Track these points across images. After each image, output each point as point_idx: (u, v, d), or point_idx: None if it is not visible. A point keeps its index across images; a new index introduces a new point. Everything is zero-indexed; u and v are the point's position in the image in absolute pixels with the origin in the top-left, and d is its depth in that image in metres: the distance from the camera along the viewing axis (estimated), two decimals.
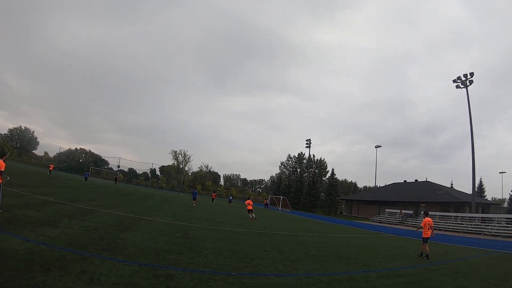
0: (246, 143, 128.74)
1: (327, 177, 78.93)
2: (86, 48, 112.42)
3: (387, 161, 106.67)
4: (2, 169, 7.00)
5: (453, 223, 31.22)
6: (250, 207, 17.40)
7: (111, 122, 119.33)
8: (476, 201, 37.22)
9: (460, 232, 28.46)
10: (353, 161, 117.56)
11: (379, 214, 44.45)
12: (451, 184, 63.91)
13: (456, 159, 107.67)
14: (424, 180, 54.62)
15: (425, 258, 9.32)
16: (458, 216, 32.39)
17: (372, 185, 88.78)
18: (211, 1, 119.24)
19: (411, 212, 38.11)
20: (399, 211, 36.68)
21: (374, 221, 39.00)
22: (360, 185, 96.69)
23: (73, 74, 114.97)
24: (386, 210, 41.91)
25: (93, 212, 9.99)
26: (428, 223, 9.79)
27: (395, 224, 34.15)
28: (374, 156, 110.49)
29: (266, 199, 50.87)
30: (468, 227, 28.91)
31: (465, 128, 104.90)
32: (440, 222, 32.08)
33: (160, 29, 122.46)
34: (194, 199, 22.99)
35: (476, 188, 41.82)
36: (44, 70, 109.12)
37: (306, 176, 66.67)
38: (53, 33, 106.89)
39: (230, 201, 34.02)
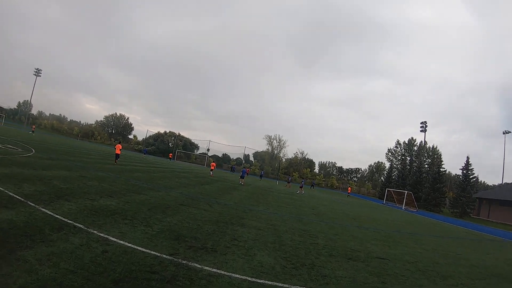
0: (338, 131, 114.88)
1: (442, 169, 59.32)
2: (183, 40, 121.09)
3: (489, 153, 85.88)
4: (121, 147, 17.60)
5: None
6: (212, 168, 25.07)
7: (204, 110, 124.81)
8: None
9: None
10: (451, 153, 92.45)
11: None
12: None
13: None
14: None
15: None
16: None
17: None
18: None
19: None
20: None
21: None
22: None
23: (168, 65, 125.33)
24: None
25: None
26: None
27: None
28: (475, 147, 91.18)
29: (350, 186, 50.77)
30: None
31: None
32: None
33: (246, 18, 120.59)
34: (242, 177, 21.89)
35: None
36: (141, 64, 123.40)
37: (416, 166, 50.59)
38: (141, 29, 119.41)
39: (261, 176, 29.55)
